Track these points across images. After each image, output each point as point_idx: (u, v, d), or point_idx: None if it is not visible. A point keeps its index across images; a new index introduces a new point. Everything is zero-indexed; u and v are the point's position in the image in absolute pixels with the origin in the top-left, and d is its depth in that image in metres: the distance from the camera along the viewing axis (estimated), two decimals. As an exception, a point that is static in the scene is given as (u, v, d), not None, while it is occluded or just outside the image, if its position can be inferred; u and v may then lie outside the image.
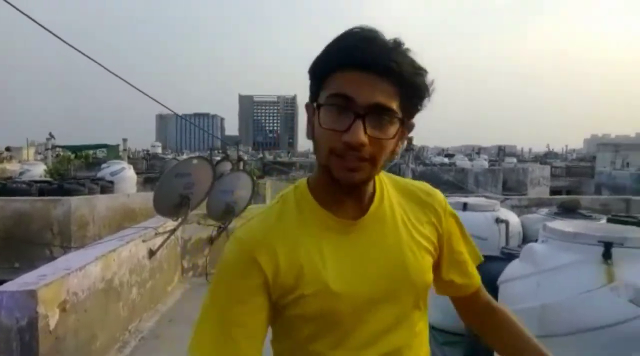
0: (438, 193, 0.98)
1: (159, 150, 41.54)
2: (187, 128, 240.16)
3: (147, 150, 37.26)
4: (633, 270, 2.10)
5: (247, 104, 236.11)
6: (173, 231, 4.80)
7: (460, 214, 3.86)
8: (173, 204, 4.59)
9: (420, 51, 0.81)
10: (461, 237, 1.00)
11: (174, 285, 5.47)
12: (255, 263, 0.82)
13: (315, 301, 0.83)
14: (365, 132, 0.75)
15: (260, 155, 38.82)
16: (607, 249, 2.06)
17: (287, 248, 0.84)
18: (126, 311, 3.97)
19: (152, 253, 4.61)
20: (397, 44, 0.78)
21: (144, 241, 4.45)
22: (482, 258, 1.03)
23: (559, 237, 2.28)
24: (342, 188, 0.82)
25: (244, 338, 0.82)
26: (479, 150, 42.41)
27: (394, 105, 0.77)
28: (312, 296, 0.83)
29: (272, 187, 13.39)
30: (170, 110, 4.67)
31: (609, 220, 3.56)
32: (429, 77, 0.80)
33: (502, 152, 29.67)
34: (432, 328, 4.09)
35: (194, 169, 4.71)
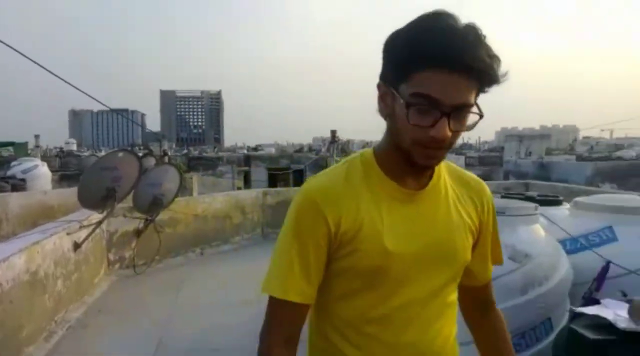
0: (487, 188, 1.04)
1: (74, 148, 38.99)
2: (104, 125, 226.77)
3: (61, 148, 34.90)
4: (513, 234, 2.54)
5: (170, 99, 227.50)
6: (99, 223, 4.76)
7: None
8: (99, 197, 4.56)
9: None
10: (493, 234, 1.06)
11: (101, 277, 5.40)
12: (322, 216, 0.88)
13: (368, 256, 0.89)
14: (450, 128, 0.80)
15: (185, 151, 37.77)
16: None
17: (351, 206, 0.89)
18: (52, 303, 3.93)
19: (77, 245, 4.55)
20: (479, 37, 0.80)
21: (68, 234, 4.39)
22: (503, 262, 1.12)
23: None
24: (417, 168, 0.89)
25: (306, 275, 0.90)
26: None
27: (474, 99, 0.81)
28: (367, 252, 0.89)
29: (198, 182, 13.28)
30: (100, 102, 4.60)
31: (502, 197, 4.10)
32: (503, 67, 0.82)
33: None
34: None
35: (119, 162, 4.70)
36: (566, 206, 3.52)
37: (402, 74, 0.81)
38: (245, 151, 36.54)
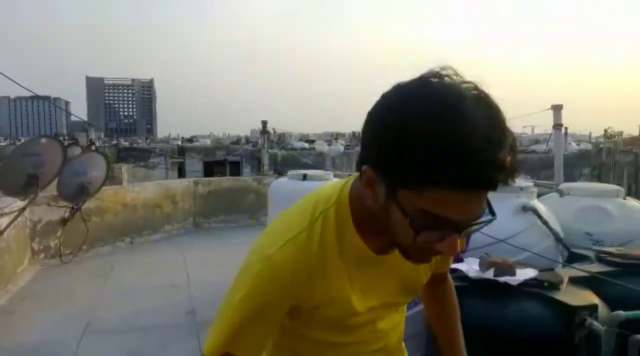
0: None
1: (-10, 137, 36.21)
2: (23, 113, 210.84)
3: (-26, 137, 32.29)
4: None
5: (97, 87, 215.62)
6: (22, 210, 4.72)
7: (300, 184, 4.63)
8: (21, 184, 4.54)
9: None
10: None
11: (24, 267, 5.33)
12: (289, 295, 0.81)
13: (334, 315, 0.87)
14: (460, 239, 0.70)
15: (115, 142, 36.18)
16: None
17: (323, 281, 0.83)
18: (-28, 290, 3.92)
19: (-2, 233, 4.51)
20: (501, 131, 0.64)
21: (-12, 220, 4.35)
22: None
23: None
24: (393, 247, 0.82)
25: (256, 348, 0.84)
26: (337, 136, 45.07)
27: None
28: (333, 313, 0.86)
29: (129, 173, 13.01)
30: (24, 87, 4.52)
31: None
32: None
33: (355, 138, 32.13)
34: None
35: (43, 148, 4.68)
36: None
37: (405, 182, 0.66)
38: (180, 143, 35.67)
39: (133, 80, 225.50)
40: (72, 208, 5.92)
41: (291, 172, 5.39)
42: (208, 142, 38.84)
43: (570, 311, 1.85)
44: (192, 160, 25.25)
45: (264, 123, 8.82)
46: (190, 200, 8.22)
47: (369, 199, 0.73)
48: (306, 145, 32.03)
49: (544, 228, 3.09)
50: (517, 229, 3.11)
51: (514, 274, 2.06)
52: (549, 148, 17.77)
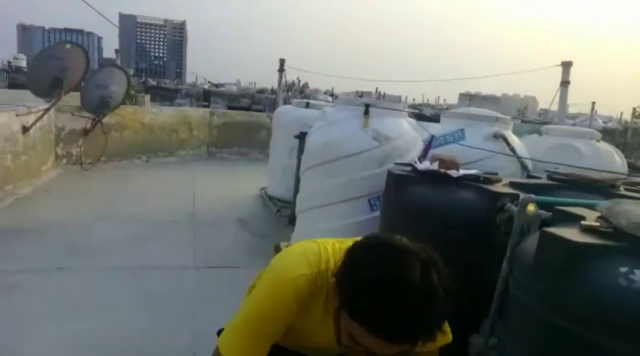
0: None
1: (24, 64, 37.01)
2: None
3: (9, 62, 33.12)
4: (380, 121, 3.23)
5: (129, 25, 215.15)
6: (47, 110, 5.16)
7: (303, 111, 5.02)
8: (47, 85, 4.94)
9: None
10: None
11: (48, 167, 5.85)
12: (293, 312, 1.03)
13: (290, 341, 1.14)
14: None
15: (143, 79, 36.63)
16: (367, 108, 3.18)
17: (308, 317, 1.06)
18: (1, 174, 4.40)
19: (25, 129, 4.97)
20: (428, 305, 0.81)
21: (17, 115, 4.80)
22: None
23: (342, 102, 3.37)
24: None
25: (264, 346, 1.05)
26: (362, 94, 44.67)
27: (415, 347, 0.85)
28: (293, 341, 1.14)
29: (150, 102, 13.48)
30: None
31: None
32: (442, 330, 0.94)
33: (380, 96, 31.90)
34: (275, 199, 5.18)
35: (67, 54, 5.05)
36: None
37: (347, 311, 0.86)
38: (206, 86, 35.89)
39: (165, 20, 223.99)
40: (94, 119, 6.37)
41: (295, 101, 5.68)
42: (234, 88, 39.00)
43: (495, 197, 2.15)
44: (216, 105, 25.58)
45: (282, 61, 8.98)
46: (205, 129, 8.61)
47: (334, 298, 0.94)
48: (330, 98, 31.95)
49: (513, 157, 3.35)
50: (487, 154, 3.38)
51: (457, 170, 2.36)
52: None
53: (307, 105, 5.21)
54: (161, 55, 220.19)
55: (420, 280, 0.81)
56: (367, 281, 0.83)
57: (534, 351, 1.42)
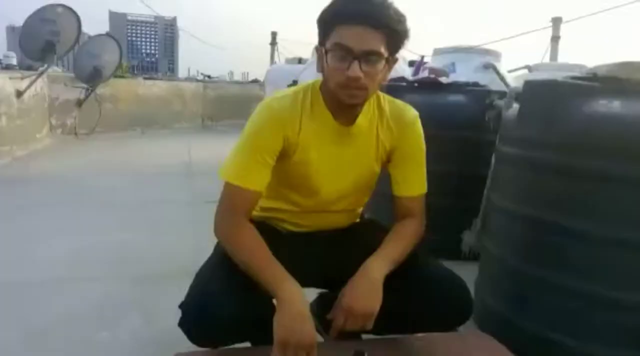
0: (414, 121, 1.20)
1: (14, 62, 36.57)
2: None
3: (0, 59, 32.80)
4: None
5: (119, 23, 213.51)
6: (40, 73, 5.16)
7: (296, 67, 4.98)
8: (39, 48, 4.94)
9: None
10: (413, 163, 1.21)
11: (43, 135, 5.86)
12: (281, 130, 1.09)
13: (299, 171, 1.15)
14: (361, 69, 0.99)
15: (136, 73, 36.52)
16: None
17: (299, 129, 1.11)
18: (-3, 133, 4.43)
19: (19, 93, 4.97)
20: (385, 1, 1.01)
21: (10, 78, 4.80)
22: (425, 190, 1.22)
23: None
24: (343, 105, 1.08)
25: (262, 167, 1.09)
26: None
27: (382, 49, 1.00)
28: (298, 162, 1.13)
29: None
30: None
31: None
32: (408, 24, 1.04)
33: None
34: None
35: (58, 17, 5.03)
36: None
37: (326, 32, 1.02)
38: (199, 78, 35.76)
39: (156, 17, 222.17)
40: (87, 89, 6.36)
41: (288, 58, 5.70)
42: (227, 78, 38.83)
43: (484, 96, 2.20)
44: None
45: (274, 33, 8.95)
46: (199, 102, 8.63)
47: (320, 67, 1.07)
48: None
49: (502, 85, 3.40)
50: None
51: (447, 77, 2.40)
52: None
53: (300, 61, 5.24)
54: (153, 51, 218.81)
55: None
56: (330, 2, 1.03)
57: (514, 241, 1.51)
